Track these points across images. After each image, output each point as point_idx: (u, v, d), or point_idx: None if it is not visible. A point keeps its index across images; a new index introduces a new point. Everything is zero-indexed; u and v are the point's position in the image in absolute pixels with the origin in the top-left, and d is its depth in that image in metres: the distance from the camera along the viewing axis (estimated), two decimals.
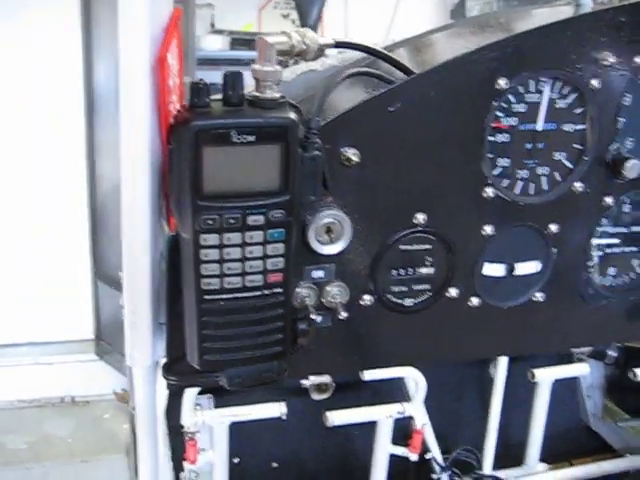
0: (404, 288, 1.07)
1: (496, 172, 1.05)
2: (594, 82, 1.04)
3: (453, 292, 1.09)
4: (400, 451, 1.97)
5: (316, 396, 2.23)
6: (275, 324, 0.90)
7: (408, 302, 1.08)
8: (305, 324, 0.95)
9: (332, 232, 0.97)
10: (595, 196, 1.12)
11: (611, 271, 1.22)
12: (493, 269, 1.11)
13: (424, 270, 1.07)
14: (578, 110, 1.07)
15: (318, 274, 1.01)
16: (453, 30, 1.36)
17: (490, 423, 2.13)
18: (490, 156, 1.04)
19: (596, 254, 1.20)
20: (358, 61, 1.18)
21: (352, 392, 2.13)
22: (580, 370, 2.17)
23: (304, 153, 0.86)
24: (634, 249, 1.22)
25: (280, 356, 0.93)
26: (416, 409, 1.94)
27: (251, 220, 0.83)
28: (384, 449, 1.95)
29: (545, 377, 2.13)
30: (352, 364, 1.14)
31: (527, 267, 1.12)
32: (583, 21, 1.03)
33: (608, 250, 1.20)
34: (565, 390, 2.59)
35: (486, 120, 1.01)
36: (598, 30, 1.02)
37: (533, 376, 2.12)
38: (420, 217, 1.02)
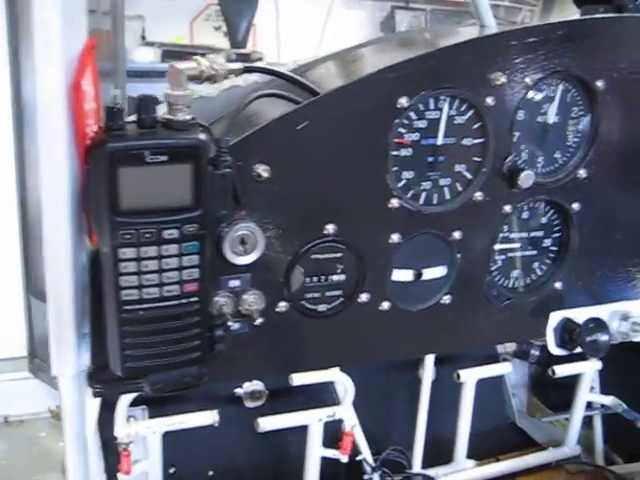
0: (317, 294, 1.14)
1: (401, 184, 1.13)
2: (489, 100, 1.13)
3: (364, 297, 1.16)
4: (331, 453, 2.03)
5: (250, 404, 2.27)
6: (193, 331, 0.95)
7: (322, 308, 1.15)
8: (222, 331, 1.00)
9: (246, 243, 1.03)
10: (495, 204, 1.21)
11: (514, 274, 1.32)
12: (402, 275, 1.19)
13: (336, 277, 1.14)
14: (475, 125, 1.16)
15: (234, 283, 1.07)
16: (378, 46, 1.44)
17: (418, 423, 2.21)
18: (395, 169, 1.12)
19: (499, 258, 1.29)
20: (274, 80, 1.25)
21: (285, 398, 2.18)
22: (503, 369, 2.27)
23: (214, 171, 0.91)
24: (534, 253, 1.32)
25: (199, 361, 0.98)
26: (345, 412, 2.00)
27: (166, 234, 0.89)
28: (316, 452, 2.01)
29: (469, 377, 2.21)
30: (273, 368, 1.20)
31: (434, 272, 1.21)
32: (478, 44, 1.12)
33: (510, 254, 1.30)
34: (492, 389, 2.69)
35: (389, 136, 1.08)
36: (492, 52, 1.12)
37: (458, 377, 2.21)
38: (330, 228, 1.09)
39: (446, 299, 1.23)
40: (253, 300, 1.08)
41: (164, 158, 0.85)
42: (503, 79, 1.12)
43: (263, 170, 1.02)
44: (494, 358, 2.56)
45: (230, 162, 0.93)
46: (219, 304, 1.06)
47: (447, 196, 1.18)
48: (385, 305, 1.18)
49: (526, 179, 1.18)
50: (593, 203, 1.30)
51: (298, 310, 1.13)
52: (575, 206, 1.29)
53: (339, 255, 1.13)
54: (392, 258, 1.16)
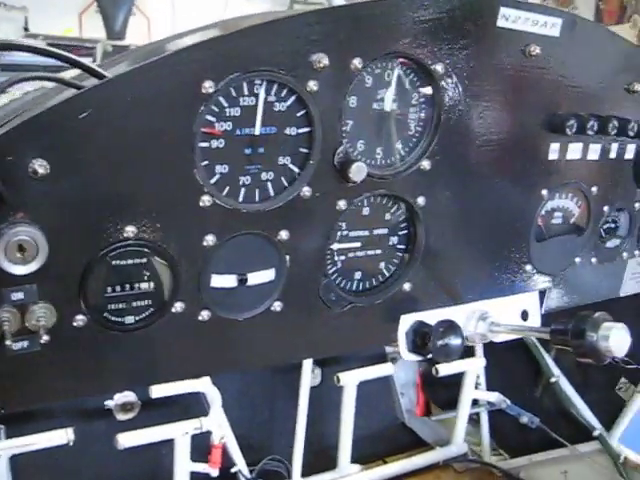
0: (122, 305, 1.00)
1: (214, 180, 1.00)
2: (311, 84, 1.02)
3: (179, 307, 1.03)
4: (200, 468, 1.90)
5: (121, 416, 2.12)
6: None
7: (129, 320, 1.01)
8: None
9: (25, 250, 0.89)
10: (326, 200, 1.10)
11: (357, 275, 1.21)
12: (223, 280, 1.06)
13: (143, 285, 1.00)
14: (299, 113, 1.04)
15: (17, 296, 0.92)
16: (204, 29, 1.31)
17: (297, 430, 2.11)
18: (205, 163, 0.99)
19: (339, 259, 1.18)
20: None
21: (161, 409, 2.04)
22: (385, 370, 2.20)
23: None
24: (379, 252, 1.22)
25: None
26: (213, 423, 1.88)
27: None
28: (183, 467, 1.88)
29: (350, 380, 2.13)
30: (79, 388, 1.05)
31: (260, 276, 1.09)
32: (294, 22, 1.00)
33: (351, 254, 1.19)
34: (380, 389, 2.63)
35: (195, 126, 0.95)
36: (310, 32, 1.00)
37: (338, 380, 2.12)
38: (130, 230, 0.95)
39: (277, 306, 1.11)
40: (42, 315, 0.93)
41: None
42: (325, 61, 1.01)
43: (40, 166, 0.87)
44: (382, 358, 2.49)
45: None
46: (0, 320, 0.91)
47: (271, 192, 1.06)
48: (204, 314, 1.05)
49: (357, 172, 1.07)
50: (439, 197, 1.21)
51: (100, 324, 0.98)
52: (420, 200, 1.19)
53: (144, 261, 0.99)
54: (209, 262, 1.03)
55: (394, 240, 1.23)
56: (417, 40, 1.09)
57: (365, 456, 2.38)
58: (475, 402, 2.40)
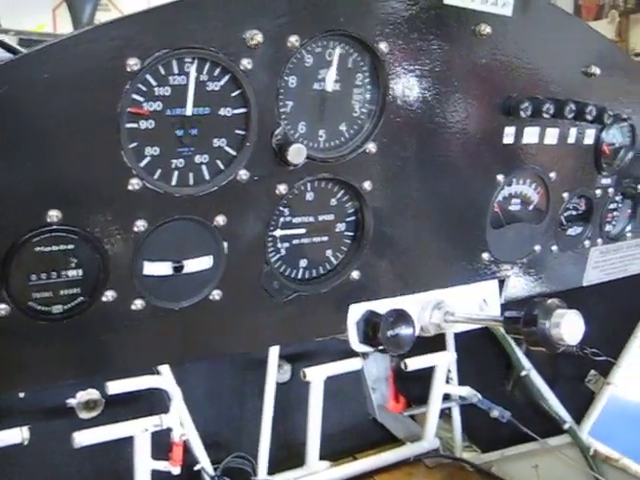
0: (48, 294, 0.95)
1: (144, 163, 0.96)
2: (245, 62, 0.97)
3: (110, 295, 0.98)
4: (162, 465, 1.86)
5: (85, 414, 2.07)
6: None
7: (57, 309, 0.96)
8: None
9: None
10: (265, 184, 1.06)
11: (302, 263, 1.17)
12: (156, 268, 1.02)
13: (71, 273, 0.96)
14: (234, 93, 1.00)
15: None
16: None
17: (263, 426, 2.07)
18: (133, 145, 0.94)
19: (283, 246, 1.14)
20: None
21: (126, 407, 2.00)
22: (353, 365, 2.16)
23: None
24: (325, 239, 1.18)
25: None
26: (174, 421, 1.84)
27: None
28: (144, 465, 1.83)
29: (316, 375, 2.09)
30: (8, 381, 1.00)
31: (197, 264, 1.04)
32: None
33: (296, 241, 1.15)
34: (351, 385, 2.59)
35: (120, 105, 0.91)
36: (243, 6, 0.96)
37: (305, 375, 2.08)
38: (54, 214, 0.91)
39: (215, 294, 1.07)
40: None
41: None
42: (259, 38, 0.96)
43: None
44: (354, 353, 2.45)
45: None
46: None
47: (206, 175, 1.01)
48: (138, 304, 1.01)
49: (296, 154, 1.03)
50: (387, 182, 1.18)
51: (25, 313, 0.94)
52: (366, 185, 1.15)
53: (71, 247, 0.94)
54: (140, 249, 0.99)
55: (341, 227, 1.19)
56: (358, 17, 1.05)
57: (335, 452, 2.34)
58: (448, 397, 2.37)
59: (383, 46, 1.09)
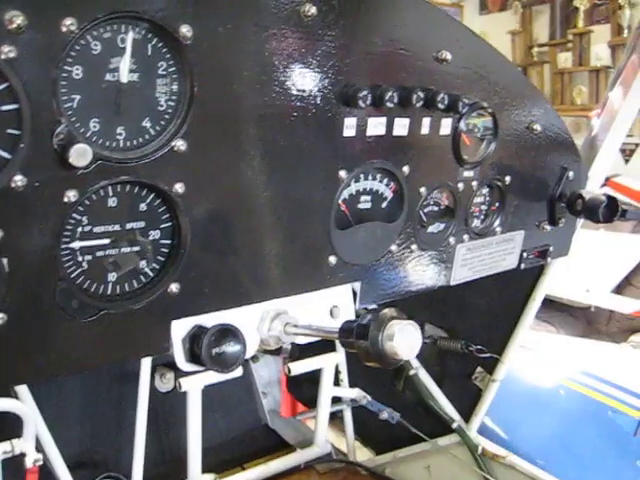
0: None
1: None
2: (6, 50, 0.83)
3: None
4: None
5: None
6: None
7: None
8: None
9: None
10: (49, 191, 0.92)
11: (110, 277, 1.04)
12: None
13: None
14: (1, 86, 0.85)
15: None
16: None
17: (136, 442, 1.92)
18: None
19: (84, 259, 1.00)
20: None
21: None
22: (233, 372, 2.03)
23: None
24: (136, 248, 1.04)
25: None
26: (27, 445, 1.67)
27: None
28: None
29: (192, 385, 1.95)
30: None
31: None
32: None
33: (100, 253, 1.01)
34: (241, 390, 2.47)
35: None
36: None
37: (180, 386, 1.94)
38: None
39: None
40: None
41: None
42: (20, 21, 0.82)
43: None
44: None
45: None
46: None
47: None
48: None
49: (78, 155, 0.89)
50: (204, 182, 1.05)
51: None
52: (178, 187, 1.02)
53: None
54: None
55: (155, 234, 1.05)
56: None
57: (223, 463, 2.22)
58: (340, 399, 2.27)
59: (185, 30, 0.95)
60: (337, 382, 2.25)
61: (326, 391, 2.17)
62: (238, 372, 2.06)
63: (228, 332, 1.08)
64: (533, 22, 7.19)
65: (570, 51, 6.86)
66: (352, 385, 2.26)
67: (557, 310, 4.36)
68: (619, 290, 4.39)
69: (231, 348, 1.08)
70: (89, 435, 2.16)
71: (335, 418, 2.35)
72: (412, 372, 2.14)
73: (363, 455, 2.38)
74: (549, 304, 4.39)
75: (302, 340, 1.23)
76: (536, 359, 3.09)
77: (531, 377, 3.02)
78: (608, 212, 1.53)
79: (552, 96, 6.97)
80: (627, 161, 6.19)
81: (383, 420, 2.13)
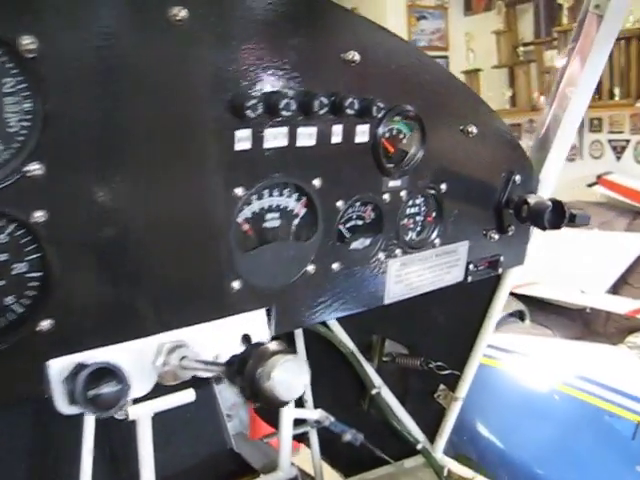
0: None
1: None
2: None
3: None
4: None
5: None
6: None
7: None
8: None
9: None
10: None
11: None
12: None
13: None
14: None
15: None
16: None
17: (82, 475, 1.82)
18: None
19: None
20: None
21: None
22: (185, 398, 1.93)
23: None
24: (2, 283, 0.95)
25: None
26: None
27: None
28: None
29: (141, 413, 1.85)
30: None
31: None
32: None
33: None
34: (204, 414, 2.37)
35: None
36: None
37: (127, 415, 1.84)
38: None
39: None
40: None
41: None
42: None
43: None
44: (205, 380, 2.23)
45: None
46: None
47: None
48: None
49: None
50: (70, 207, 0.95)
51: None
52: (38, 216, 0.93)
53: None
54: None
55: (22, 267, 0.96)
56: None
57: None
58: (305, 421, 2.16)
59: (27, 41, 0.86)
60: (302, 403, 2.15)
61: (287, 413, 2.07)
62: (191, 397, 1.97)
63: (105, 372, 0.98)
64: (518, 21, 7.05)
65: (556, 49, 6.71)
66: (319, 406, 2.16)
67: (554, 313, 4.23)
68: (615, 290, 4.25)
69: (109, 389, 0.98)
70: (38, 472, 2.06)
71: (305, 440, 2.25)
72: (374, 391, 2.03)
73: (332, 478, 2.27)
74: (545, 307, 4.27)
75: (204, 374, 1.13)
76: (531, 365, 3.00)
77: (526, 383, 2.93)
78: (554, 217, 1.41)
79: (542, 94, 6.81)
80: (619, 158, 6.02)
81: (348, 441, 2.03)
